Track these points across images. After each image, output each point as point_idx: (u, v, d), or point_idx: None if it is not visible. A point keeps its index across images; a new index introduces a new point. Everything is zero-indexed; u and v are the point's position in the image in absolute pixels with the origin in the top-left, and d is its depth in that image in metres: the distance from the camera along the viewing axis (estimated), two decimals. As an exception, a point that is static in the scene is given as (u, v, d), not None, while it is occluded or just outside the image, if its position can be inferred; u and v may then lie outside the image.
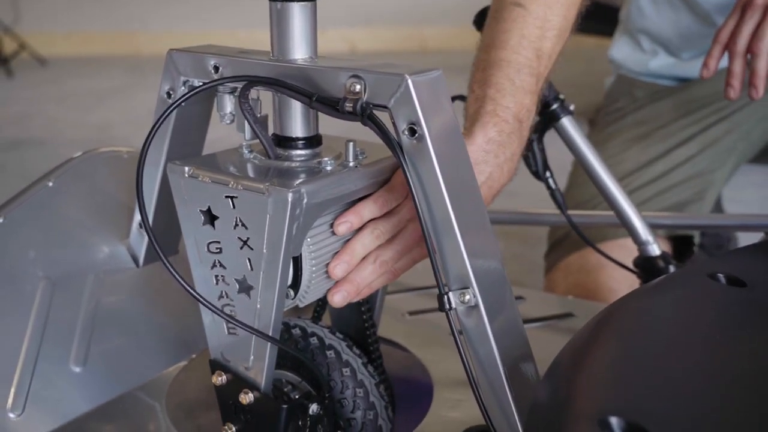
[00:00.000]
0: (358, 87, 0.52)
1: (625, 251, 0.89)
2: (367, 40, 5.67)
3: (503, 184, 0.63)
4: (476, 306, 0.52)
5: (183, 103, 0.63)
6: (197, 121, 0.69)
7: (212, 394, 0.63)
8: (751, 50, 0.78)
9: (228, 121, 0.62)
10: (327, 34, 5.64)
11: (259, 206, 0.53)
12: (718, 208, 1.35)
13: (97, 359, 0.66)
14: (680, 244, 0.97)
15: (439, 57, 5.27)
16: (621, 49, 1.19)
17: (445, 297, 0.52)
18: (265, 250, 0.54)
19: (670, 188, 1.01)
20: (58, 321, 0.66)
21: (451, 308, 0.52)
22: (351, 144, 0.58)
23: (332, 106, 0.53)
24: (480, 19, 0.77)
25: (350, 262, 0.58)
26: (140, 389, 0.68)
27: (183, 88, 0.64)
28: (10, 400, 0.60)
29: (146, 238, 0.72)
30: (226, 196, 0.55)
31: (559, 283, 0.97)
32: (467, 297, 0.52)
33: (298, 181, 0.54)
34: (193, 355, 0.73)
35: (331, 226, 0.58)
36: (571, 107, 0.76)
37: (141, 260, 0.73)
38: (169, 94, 0.65)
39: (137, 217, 0.72)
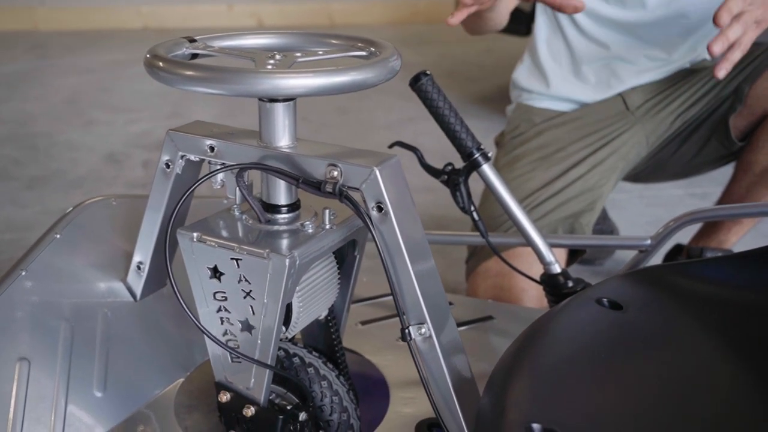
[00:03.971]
0: (335, 173, 0.68)
1: (532, 257, 1.10)
2: (275, 15, 5.69)
3: None
4: (430, 336, 0.70)
5: (179, 171, 0.78)
6: (188, 183, 0.82)
7: (211, 402, 0.78)
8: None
9: (219, 186, 0.76)
10: (234, 9, 5.63)
11: (261, 267, 0.68)
12: (602, 213, 1.60)
13: (114, 384, 0.80)
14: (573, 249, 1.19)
15: (346, 31, 5.37)
16: (523, 72, 1.40)
17: (407, 330, 0.70)
18: (265, 300, 0.69)
19: (568, 201, 1.22)
20: (80, 355, 0.79)
21: (411, 339, 0.70)
22: (327, 210, 0.73)
23: (316, 187, 0.68)
24: (415, 82, 0.93)
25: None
26: (150, 405, 0.82)
27: (180, 161, 0.77)
28: (50, 428, 0.73)
29: (143, 277, 0.86)
30: (232, 258, 0.70)
31: (480, 285, 1.16)
32: (423, 330, 0.69)
33: (292, 246, 0.69)
34: (188, 373, 0.87)
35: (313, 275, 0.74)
36: (490, 154, 0.94)
37: (138, 295, 0.87)
38: (168, 165, 0.78)
39: (136, 259, 0.85)
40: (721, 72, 0.98)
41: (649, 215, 1.85)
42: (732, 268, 0.78)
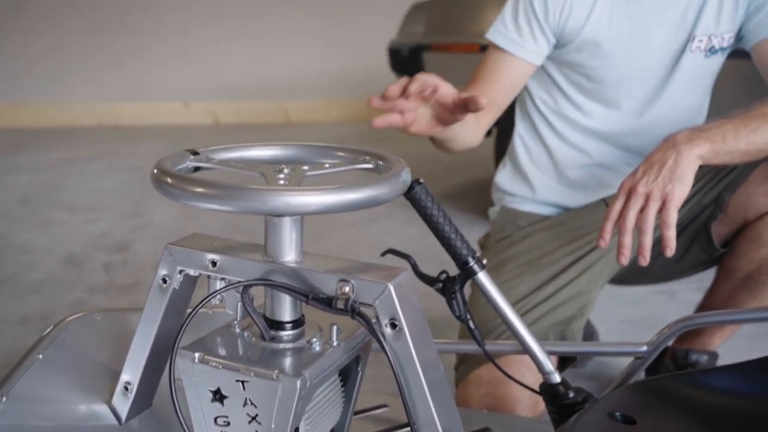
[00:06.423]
0: (346, 289, 0.66)
1: (524, 365, 1.08)
2: (231, 113, 5.75)
3: None
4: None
5: (176, 286, 0.75)
6: (185, 298, 0.79)
7: None
8: (638, 227, 1.00)
9: (218, 301, 0.73)
10: (190, 107, 5.67)
11: (270, 390, 0.65)
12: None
13: None
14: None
15: (302, 130, 5.46)
16: (505, 177, 1.42)
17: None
18: (273, 425, 0.66)
19: (557, 306, 1.22)
20: (63, 488, 0.73)
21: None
22: (334, 327, 0.71)
23: (326, 303, 0.66)
24: (408, 191, 0.93)
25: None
26: None
27: (179, 276, 0.74)
28: None
29: (130, 398, 0.81)
30: (237, 380, 0.66)
31: (472, 394, 1.14)
32: (437, 451, 0.66)
33: (301, 366, 0.66)
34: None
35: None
36: (484, 261, 0.94)
37: (124, 418, 0.81)
38: (164, 280, 0.75)
39: (123, 378, 0.80)
40: (642, 261, 1.01)
41: (623, 314, 1.87)
42: (740, 378, 0.78)
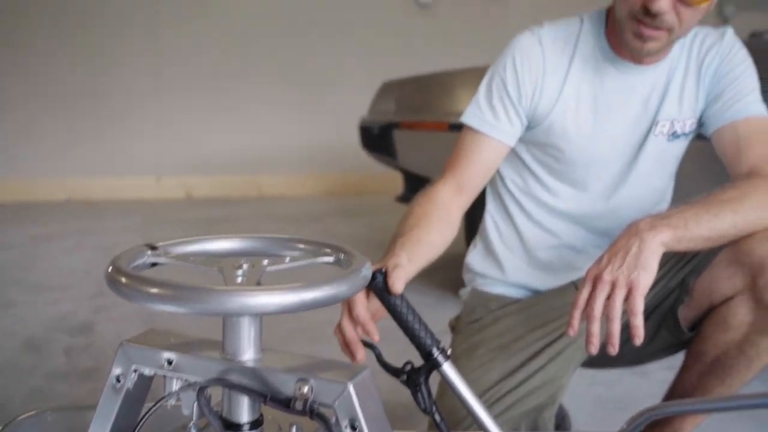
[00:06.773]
0: (305, 389, 0.64)
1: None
2: (204, 187, 5.74)
3: None
4: None
5: (130, 386, 0.73)
6: (139, 397, 0.76)
7: None
8: (605, 315, 0.99)
9: (174, 401, 0.71)
10: (162, 182, 5.66)
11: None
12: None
13: None
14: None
15: (275, 203, 5.46)
16: (476, 257, 1.43)
17: None
18: None
19: (529, 394, 1.20)
20: None
21: None
22: (294, 426, 0.69)
23: (284, 404, 0.64)
24: (372, 281, 0.92)
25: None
26: None
27: (133, 375, 0.72)
28: None
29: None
30: (193, 492, 0.63)
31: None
32: None
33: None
34: None
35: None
36: (449, 352, 0.93)
37: None
38: (118, 379, 0.72)
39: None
40: (611, 350, 0.99)
41: (595, 395, 1.85)
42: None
